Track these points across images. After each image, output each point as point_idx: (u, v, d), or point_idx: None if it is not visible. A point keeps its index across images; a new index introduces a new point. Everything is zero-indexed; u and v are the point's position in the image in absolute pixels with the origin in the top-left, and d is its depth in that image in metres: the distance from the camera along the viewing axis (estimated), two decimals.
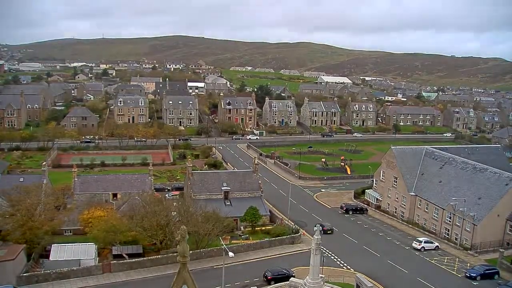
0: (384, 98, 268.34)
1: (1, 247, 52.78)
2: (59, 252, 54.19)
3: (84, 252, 54.57)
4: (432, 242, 65.93)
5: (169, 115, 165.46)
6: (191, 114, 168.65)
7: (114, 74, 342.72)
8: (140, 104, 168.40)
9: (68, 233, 63.75)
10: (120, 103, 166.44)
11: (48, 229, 56.51)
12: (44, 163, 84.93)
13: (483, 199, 65.55)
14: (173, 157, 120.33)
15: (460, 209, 65.77)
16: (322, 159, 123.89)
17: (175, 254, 45.21)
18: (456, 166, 75.18)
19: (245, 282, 51.85)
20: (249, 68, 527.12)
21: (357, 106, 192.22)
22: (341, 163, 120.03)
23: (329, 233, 68.35)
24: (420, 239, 66.36)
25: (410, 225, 75.01)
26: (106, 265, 53.57)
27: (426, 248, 64.39)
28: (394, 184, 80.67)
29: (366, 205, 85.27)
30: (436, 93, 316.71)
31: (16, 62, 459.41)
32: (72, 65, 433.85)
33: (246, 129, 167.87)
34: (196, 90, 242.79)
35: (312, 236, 48.96)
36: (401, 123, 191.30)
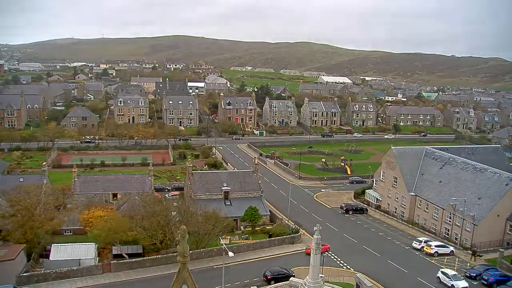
0: (384, 98, 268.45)
1: (1, 247, 52.81)
2: (59, 252, 54.18)
3: (84, 252, 54.54)
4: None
5: (169, 115, 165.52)
6: (191, 114, 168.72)
7: (114, 74, 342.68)
8: (140, 104, 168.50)
9: (68, 233, 63.79)
10: (120, 103, 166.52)
11: (48, 229, 56.52)
12: (44, 163, 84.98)
13: (483, 199, 65.53)
14: (173, 157, 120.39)
15: (460, 209, 65.76)
16: (322, 159, 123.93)
17: (175, 254, 45.23)
18: (456, 166, 75.15)
19: (245, 282, 51.81)
20: (249, 68, 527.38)
21: (357, 106, 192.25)
22: (341, 163, 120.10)
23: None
24: (420, 239, 66.19)
25: (410, 225, 74.99)
26: (106, 265, 53.54)
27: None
28: (394, 184, 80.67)
29: (366, 205, 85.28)
30: (436, 93, 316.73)
31: (16, 62, 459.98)
32: (72, 65, 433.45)
33: (247, 129, 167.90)
34: (196, 90, 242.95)
35: (312, 235, 48.93)
36: (401, 123, 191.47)
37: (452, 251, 62.99)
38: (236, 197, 74.73)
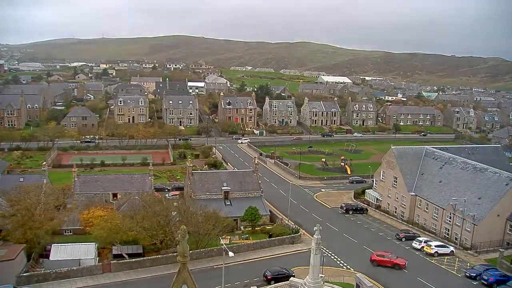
0: (384, 98, 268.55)
1: (1, 247, 52.80)
2: (59, 252, 54.15)
3: (84, 252, 54.52)
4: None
5: (169, 115, 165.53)
6: (191, 114, 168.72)
7: (114, 74, 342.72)
8: (140, 104, 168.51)
9: (68, 233, 63.77)
10: (120, 103, 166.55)
11: (48, 229, 56.46)
12: (44, 163, 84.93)
13: (483, 199, 65.55)
14: (173, 157, 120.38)
15: (460, 209, 65.77)
16: (322, 159, 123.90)
17: (175, 254, 45.24)
18: (456, 166, 75.16)
19: (245, 282, 51.81)
20: (249, 68, 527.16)
21: (357, 106, 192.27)
22: (341, 163, 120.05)
23: None
24: (421, 239, 66.24)
25: (410, 225, 75.00)
26: (106, 265, 53.54)
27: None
28: (394, 184, 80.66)
29: (366, 205, 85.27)
30: (436, 93, 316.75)
31: (16, 62, 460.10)
32: (72, 65, 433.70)
33: (247, 129, 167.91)
34: (196, 90, 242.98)
35: (312, 235, 48.94)
36: (401, 123, 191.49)
37: (452, 251, 62.96)
38: (236, 197, 74.71)
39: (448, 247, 63.33)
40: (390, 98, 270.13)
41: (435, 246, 62.89)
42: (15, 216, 55.07)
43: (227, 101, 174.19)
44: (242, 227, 70.06)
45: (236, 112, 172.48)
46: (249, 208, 68.52)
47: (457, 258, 61.74)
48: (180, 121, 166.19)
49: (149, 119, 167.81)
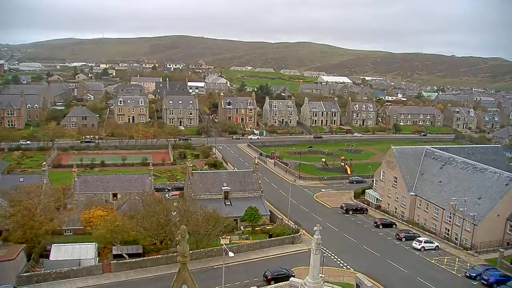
0: (384, 98, 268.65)
1: (1, 247, 52.80)
2: (59, 252, 54.16)
3: (84, 252, 54.54)
4: (432, 242, 65.88)
5: (169, 115, 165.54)
6: (191, 114, 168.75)
7: (114, 74, 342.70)
8: (140, 104, 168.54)
9: (68, 233, 63.74)
10: (120, 103, 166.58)
11: (49, 229, 56.47)
12: (44, 163, 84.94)
13: (483, 199, 65.55)
14: (173, 157, 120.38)
15: (460, 209, 65.78)
16: (322, 159, 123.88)
17: (175, 254, 45.27)
18: (456, 166, 75.15)
19: (245, 282, 51.80)
20: (249, 68, 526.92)
21: (357, 106, 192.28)
22: (341, 163, 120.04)
23: None
24: (421, 239, 66.34)
25: (410, 225, 75.01)
26: (106, 265, 53.52)
27: (426, 248, 64.38)
28: (394, 184, 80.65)
29: (366, 205, 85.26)
30: (436, 93, 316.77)
31: (16, 62, 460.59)
32: (72, 65, 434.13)
33: (246, 129, 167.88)
34: (196, 90, 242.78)
35: (312, 235, 48.94)
36: (401, 123, 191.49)
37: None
38: (236, 197, 74.70)
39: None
40: (390, 98, 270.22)
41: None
42: (15, 216, 55.06)
43: (227, 101, 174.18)
44: (242, 227, 70.05)
45: (236, 112, 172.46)
46: (249, 208, 68.54)
47: (457, 258, 61.78)
48: (180, 121, 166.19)
49: (149, 119, 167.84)
